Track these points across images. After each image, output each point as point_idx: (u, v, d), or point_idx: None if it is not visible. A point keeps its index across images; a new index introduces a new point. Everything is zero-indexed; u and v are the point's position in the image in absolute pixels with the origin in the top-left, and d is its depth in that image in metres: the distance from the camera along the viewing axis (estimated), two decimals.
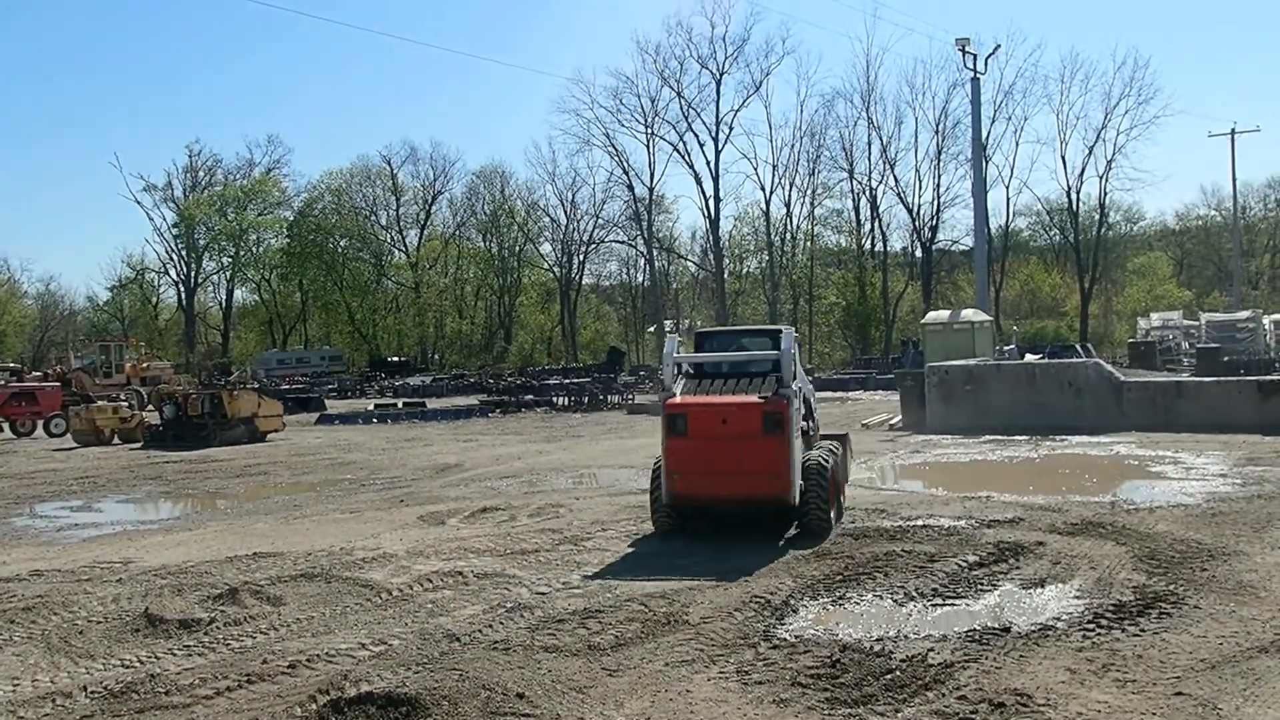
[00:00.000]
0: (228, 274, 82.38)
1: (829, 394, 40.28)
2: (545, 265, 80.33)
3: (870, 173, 67.82)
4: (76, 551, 11.84)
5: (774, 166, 70.02)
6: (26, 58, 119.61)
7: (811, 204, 70.60)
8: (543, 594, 8.69)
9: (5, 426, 30.81)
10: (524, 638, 7.35)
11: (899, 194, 68.24)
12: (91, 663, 7.23)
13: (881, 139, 66.99)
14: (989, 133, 61.92)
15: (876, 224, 69.92)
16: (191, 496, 17.05)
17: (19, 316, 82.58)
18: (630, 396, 38.78)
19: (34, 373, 41.95)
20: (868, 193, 68.50)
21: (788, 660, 6.70)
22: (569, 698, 6.15)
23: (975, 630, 7.20)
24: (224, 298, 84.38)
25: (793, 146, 70.02)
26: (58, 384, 35.20)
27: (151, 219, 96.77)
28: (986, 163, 59.42)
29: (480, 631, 7.55)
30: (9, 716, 6.17)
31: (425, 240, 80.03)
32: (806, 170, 69.04)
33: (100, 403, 30.04)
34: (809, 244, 71.52)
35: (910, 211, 68.26)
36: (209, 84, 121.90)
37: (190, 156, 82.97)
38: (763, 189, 70.19)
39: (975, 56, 45.16)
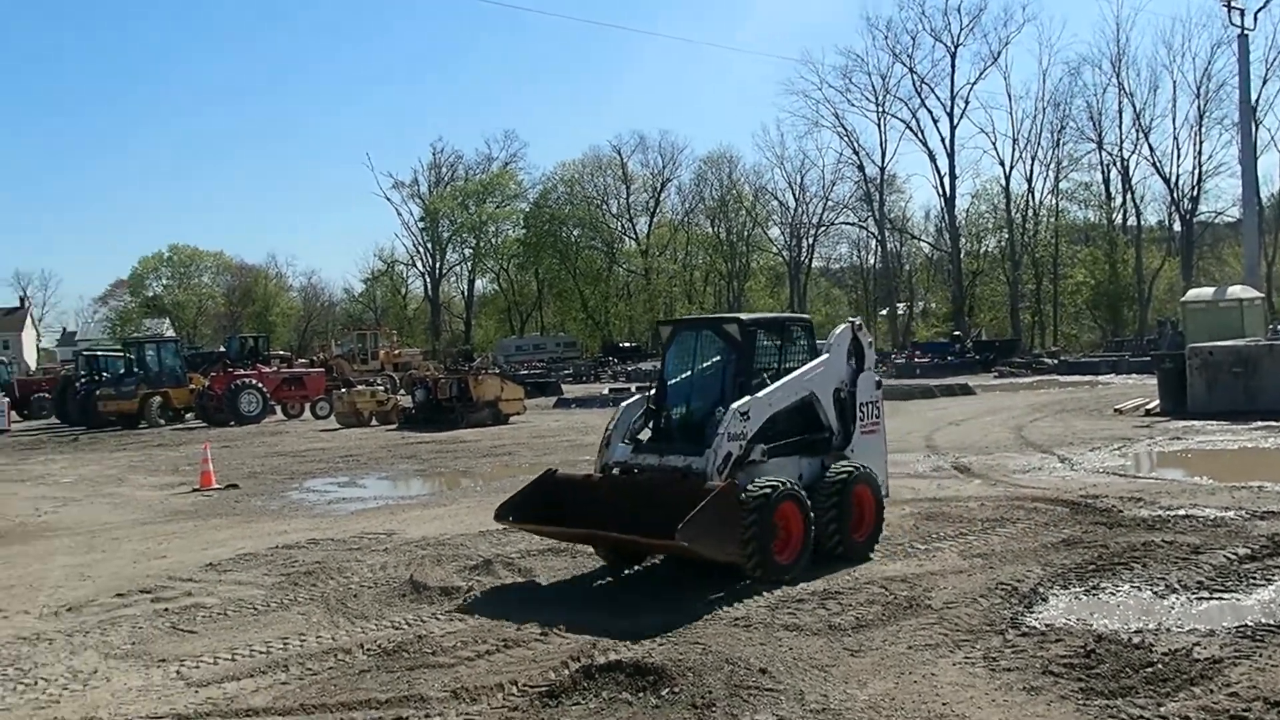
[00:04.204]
0: (469, 265, 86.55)
1: (1077, 377, 38.30)
2: (774, 249, 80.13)
3: (1121, 142, 63.92)
4: (346, 523, 12.84)
5: (1014, 140, 67.10)
6: (283, 70, 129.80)
7: (1055, 178, 67.07)
8: None
9: (278, 409, 33.62)
10: (764, 615, 7.44)
11: (1154, 164, 63.90)
12: (366, 623, 7.86)
13: (1135, 106, 62.91)
14: (1259, 94, 57.07)
15: (1129, 196, 65.90)
16: (443, 475, 18.08)
17: (286, 308, 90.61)
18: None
19: (300, 359, 45.38)
20: (1119, 164, 64.60)
21: (1038, 649, 6.48)
22: (811, 675, 6.19)
23: (1247, 626, 6.74)
24: (466, 287, 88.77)
25: (1035, 118, 66.98)
26: (321, 370, 38.08)
27: (400, 214, 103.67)
28: (1257, 126, 55.04)
29: (721, 608, 7.68)
30: (299, 667, 6.80)
31: (654, 227, 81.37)
32: (1050, 143, 65.60)
33: (359, 387, 32.31)
34: (1053, 220, 67.89)
35: (1167, 182, 63.83)
36: (451, 83, 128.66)
37: (434, 154, 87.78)
38: (1002, 164, 67.17)
39: (1242, 12, 41.68)
